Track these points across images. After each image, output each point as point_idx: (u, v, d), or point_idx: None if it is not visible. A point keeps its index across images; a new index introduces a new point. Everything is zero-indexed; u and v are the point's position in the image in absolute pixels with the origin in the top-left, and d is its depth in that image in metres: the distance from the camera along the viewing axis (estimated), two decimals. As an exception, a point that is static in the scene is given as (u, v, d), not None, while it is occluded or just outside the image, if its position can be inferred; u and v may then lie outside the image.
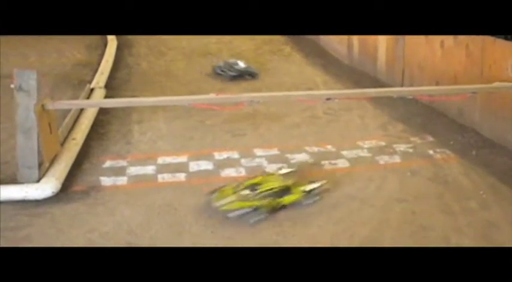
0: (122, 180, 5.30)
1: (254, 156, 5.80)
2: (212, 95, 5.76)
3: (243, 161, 5.70)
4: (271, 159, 5.72)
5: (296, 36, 11.70)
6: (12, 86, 5.15)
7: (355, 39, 9.46)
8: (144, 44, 11.38)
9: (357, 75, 8.93)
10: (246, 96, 5.91)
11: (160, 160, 5.73)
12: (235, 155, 5.84)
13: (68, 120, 6.26)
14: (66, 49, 10.63)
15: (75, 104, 6.37)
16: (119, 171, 5.47)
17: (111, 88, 8.20)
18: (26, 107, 5.10)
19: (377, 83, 8.34)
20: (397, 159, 5.75)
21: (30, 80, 5.14)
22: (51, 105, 5.33)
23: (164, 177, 5.37)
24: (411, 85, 7.64)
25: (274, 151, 5.93)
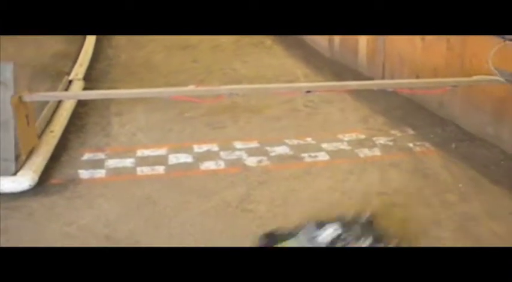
0: (101, 173, 5.25)
1: (234, 149, 5.77)
2: (192, 87, 5.71)
3: (222, 153, 5.67)
4: (250, 152, 5.69)
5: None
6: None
7: (336, 32, 9.44)
8: (124, 35, 11.28)
9: (337, 68, 8.92)
10: (226, 88, 5.88)
11: (139, 153, 5.68)
12: (214, 147, 5.81)
13: (46, 112, 6.20)
14: (45, 40, 10.47)
15: (52, 96, 6.29)
16: (98, 164, 5.42)
17: (90, 80, 8.13)
18: (2, 99, 5.02)
19: (358, 76, 8.33)
20: (377, 152, 5.74)
21: (7, 72, 5.07)
22: (28, 97, 5.26)
23: (143, 170, 5.32)
24: (392, 78, 7.64)
25: (254, 144, 5.90)
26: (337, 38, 9.43)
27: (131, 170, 5.32)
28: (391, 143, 5.94)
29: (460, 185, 4.99)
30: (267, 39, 11.06)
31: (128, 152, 5.68)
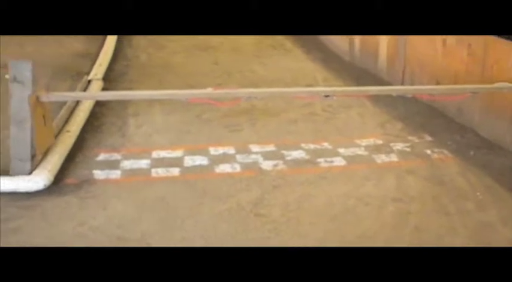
0: (115, 174, 5.24)
1: (250, 152, 5.74)
2: (210, 90, 5.70)
3: (238, 156, 5.64)
4: (267, 156, 5.66)
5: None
6: (7, 76, 5.10)
7: (357, 36, 9.39)
8: (144, 35, 11.30)
9: (357, 72, 8.87)
10: (244, 91, 5.85)
11: (155, 154, 5.67)
12: (231, 150, 5.78)
13: (63, 112, 6.21)
14: (65, 39, 10.52)
15: (70, 96, 6.30)
16: (113, 165, 5.42)
17: (109, 80, 8.14)
18: (20, 98, 5.04)
19: (377, 81, 8.28)
20: (394, 158, 5.69)
21: (25, 71, 5.08)
22: (45, 97, 5.27)
23: (158, 172, 5.31)
24: (411, 83, 7.58)
25: (271, 147, 5.87)
26: (357, 42, 9.37)
27: (146, 172, 5.31)
28: (408, 149, 5.89)
29: (478, 193, 4.92)
30: (287, 42, 11.03)
31: (143, 153, 5.67)
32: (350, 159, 5.64)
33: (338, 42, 10.21)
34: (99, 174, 5.23)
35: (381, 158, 5.67)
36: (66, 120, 6.12)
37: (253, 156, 5.66)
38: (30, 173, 4.92)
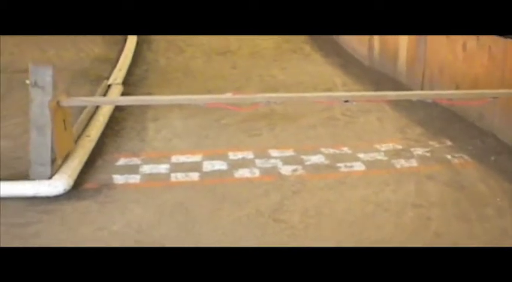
0: (135, 179, 5.26)
1: (269, 157, 5.74)
2: (229, 95, 5.70)
3: (257, 161, 5.64)
4: (286, 161, 5.65)
5: (316, 36, 11.62)
6: (27, 81, 5.13)
7: (376, 40, 9.36)
8: (163, 40, 11.35)
9: (376, 77, 8.84)
10: (263, 96, 5.84)
11: (174, 159, 5.68)
12: (250, 155, 5.78)
13: (83, 116, 6.25)
14: (85, 44, 10.61)
15: (90, 101, 6.31)
16: (132, 169, 5.43)
17: (129, 84, 8.18)
18: (40, 103, 5.06)
19: (397, 85, 8.24)
20: (414, 163, 5.66)
21: (46, 75, 5.10)
22: (66, 102, 5.30)
23: (177, 177, 5.31)
24: (431, 87, 7.54)
25: (290, 152, 5.86)
26: (376, 46, 9.35)
27: (165, 176, 5.32)
28: (428, 154, 5.85)
29: (498, 199, 4.88)
30: (306, 46, 11.02)
31: (162, 158, 5.68)
32: (369, 164, 5.62)
33: (357, 46, 10.20)
34: (118, 178, 5.25)
35: (401, 163, 5.63)
36: (86, 125, 6.16)
37: (273, 161, 5.66)
38: (50, 177, 4.95)
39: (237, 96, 5.90)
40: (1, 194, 4.77)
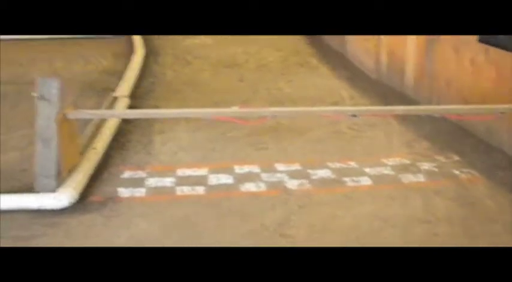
0: (140, 192, 5.24)
1: (275, 171, 5.71)
2: (235, 108, 5.69)
3: (263, 175, 5.61)
4: (292, 175, 5.62)
5: (324, 49, 11.62)
6: (34, 94, 5.12)
7: (383, 53, 9.34)
8: (170, 52, 11.37)
9: (383, 90, 8.81)
10: (270, 110, 5.84)
11: (180, 172, 5.66)
12: (256, 169, 5.75)
13: (89, 128, 6.24)
14: (93, 56, 10.65)
15: (96, 114, 6.30)
16: (138, 183, 5.42)
17: (136, 97, 8.16)
18: (46, 116, 5.07)
19: (404, 99, 8.21)
20: (421, 178, 5.62)
21: (53, 88, 5.10)
22: (72, 115, 5.30)
23: (183, 190, 5.29)
24: (439, 101, 7.50)
25: (296, 166, 5.83)
26: (384, 60, 9.33)
27: (171, 190, 5.30)
28: (435, 169, 5.81)
29: (506, 215, 4.84)
30: (313, 59, 11.01)
31: (168, 171, 5.66)
32: (376, 178, 5.58)
33: (364, 59, 10.18)
34: (124, 192, 5.23)
35: (408, 178, 5.60)
36: (92, 137, 6.14)
37: (279, 175, 5.63)
38: (55, 190, 4.93)
39: (244, 109, 5.88)
40: (5, 206, 4.77)
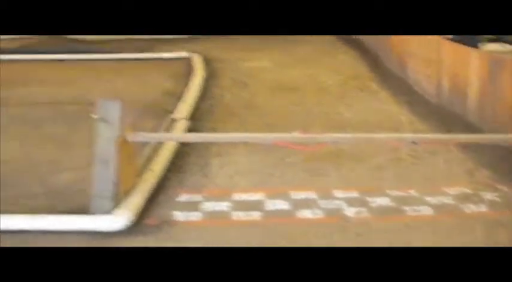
0: (196, 216, 5.22)
1: (333, 198, 5.62)
2: (295, 134, 5.63)
3: (321, 202, 5.52)
4: (350, 202, 5.52)
5: (384, 73, 11.50)
6: (93, 115, 5.16)
7: (445, 76, 9.17)
8: (229, 75, 11.39)
9: (444, 115, 8.62)
10: (329, 136, 5.77)
11: (236, 196, 5.62)
12: (313, 195, 5.67)
13: (147, 150, 6.25)
14: (153, 77, 10.76)
15: (155, 137, 6.32)
16: (194, 206, 5.40)
17: (194, 119, 8.18)
18: (106, 137, 5.11)
19: (466, 125, 8.01)
20: (483, 208, 5.45)
21: (113, 110, 5.14)
22: (132, 138, 5.32)
23: (239, 215, 5.25)
24: (503, 127, 7.28)
25: (354, 193, 5.72)
26: (445, 84, 9.15)
27: (227, 214, 5.26)
28: (498, 199, 5.63)
29: None
30: (373, 84, 10.88)
31: (224, 195, 5.63)
32: (437, 208, 5.44)
33: (425, 84, 10.01)
34: (179, 215, 5.21)
35: (470, 208, 5.44)
36: (150, 159, 6.16)
37: (336, 202, 5.54)
38: (111, 212, 4.94)
39: (304, 135, 5.82)
40: (60, 227, 4.79)
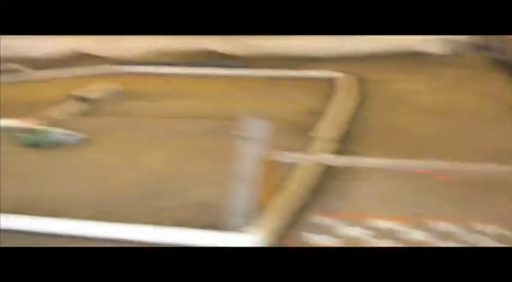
0: (330, 240, 5.22)
1: (473, 231, 5.43)
2: (441, 163, 5.50)
3: (460, 234, 5.36)
4: (492, 236, 5.31)
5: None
6: (238, 132, 5.27)
7: None
8: (376, 96, 11.15)
9: None
10: (479, 167, 5.54)
11: (374, 223, 5.56)
12: (451, 226, 5.52)
13: (287, 169, 6.29)
14: (297, 95, 10.82)
15: (299, 158, 6.37)
16: (330, 230, 5.40)
17: (337, 140, 8.12)
18: (250, 156, 5.22)
19: None
20: None
21: (260, 130, 5.26)
22: (275, 157, 5.40)
23: (376, 242, 5.20)
24: None
25: (494, 227, 5.49)
26: None
27: (363, 240, 5.23)
28: None
29: None
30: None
31: (362, 220, 5.59)
32: None
33: None
34: (315, 238, 5.23)
35: None
36: (289, 178, 6.22)
37: (477, 235, 5.36)
38: (247, 230, 5.03)
39: (449, 163, 5.65)
40: (195, 242, 4.95)
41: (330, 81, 12.13)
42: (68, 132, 8.20)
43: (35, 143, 8.02)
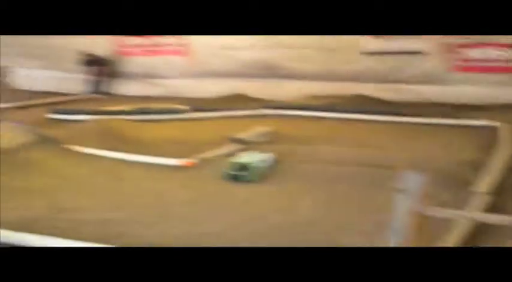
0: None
1: None
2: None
3: None
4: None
5: None
6: (393, 184, 5.15)
7: None
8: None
9: None
10: None
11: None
12: None
13: (440, 227, 6.02)
14: (454, 145, 10.45)
15: (453, 214, 6.11)
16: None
17: (498, 194, 7.71)
18: (403, 209, 5.09)
19: None
20: None
21: (415, 183, 5.13)
22: (429, 212, 5.24)
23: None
24: None
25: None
26: None
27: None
28: None
29: None
30: None
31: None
32: None
33: None
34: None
35: None
36: (440, 236, 5.96)
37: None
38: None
39: None
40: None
41: (490, 130, 11.62)
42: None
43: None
